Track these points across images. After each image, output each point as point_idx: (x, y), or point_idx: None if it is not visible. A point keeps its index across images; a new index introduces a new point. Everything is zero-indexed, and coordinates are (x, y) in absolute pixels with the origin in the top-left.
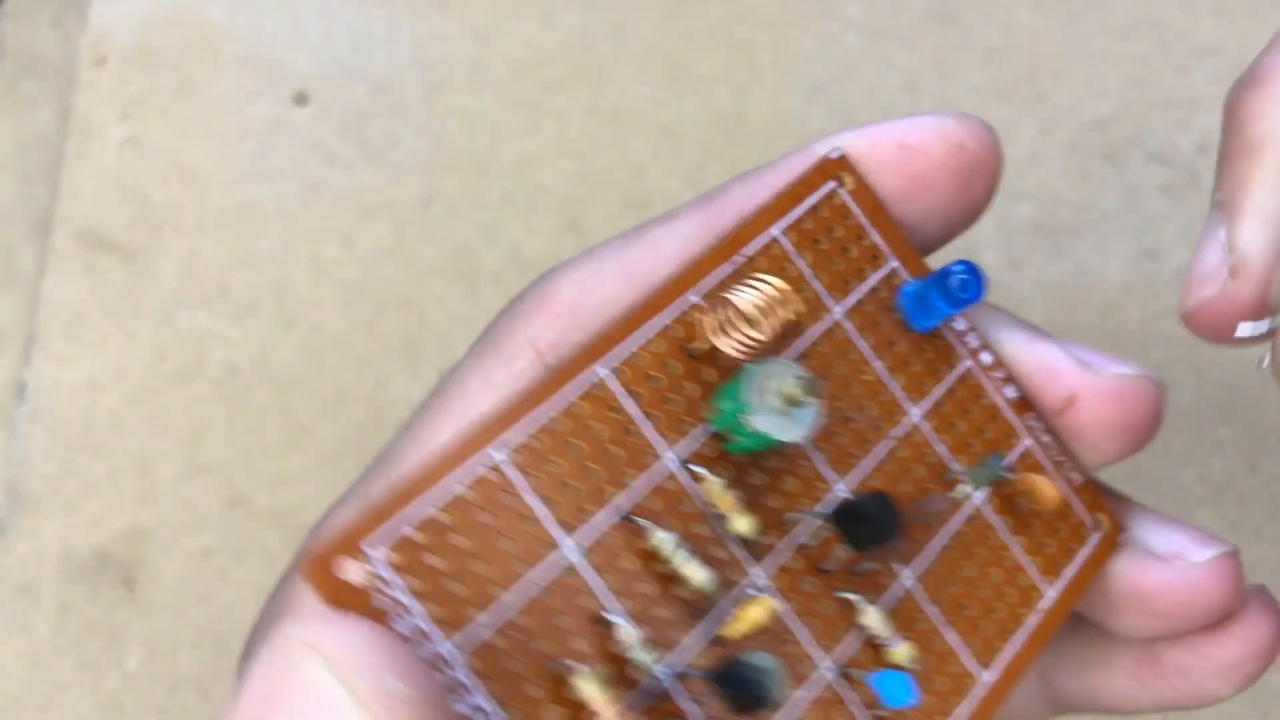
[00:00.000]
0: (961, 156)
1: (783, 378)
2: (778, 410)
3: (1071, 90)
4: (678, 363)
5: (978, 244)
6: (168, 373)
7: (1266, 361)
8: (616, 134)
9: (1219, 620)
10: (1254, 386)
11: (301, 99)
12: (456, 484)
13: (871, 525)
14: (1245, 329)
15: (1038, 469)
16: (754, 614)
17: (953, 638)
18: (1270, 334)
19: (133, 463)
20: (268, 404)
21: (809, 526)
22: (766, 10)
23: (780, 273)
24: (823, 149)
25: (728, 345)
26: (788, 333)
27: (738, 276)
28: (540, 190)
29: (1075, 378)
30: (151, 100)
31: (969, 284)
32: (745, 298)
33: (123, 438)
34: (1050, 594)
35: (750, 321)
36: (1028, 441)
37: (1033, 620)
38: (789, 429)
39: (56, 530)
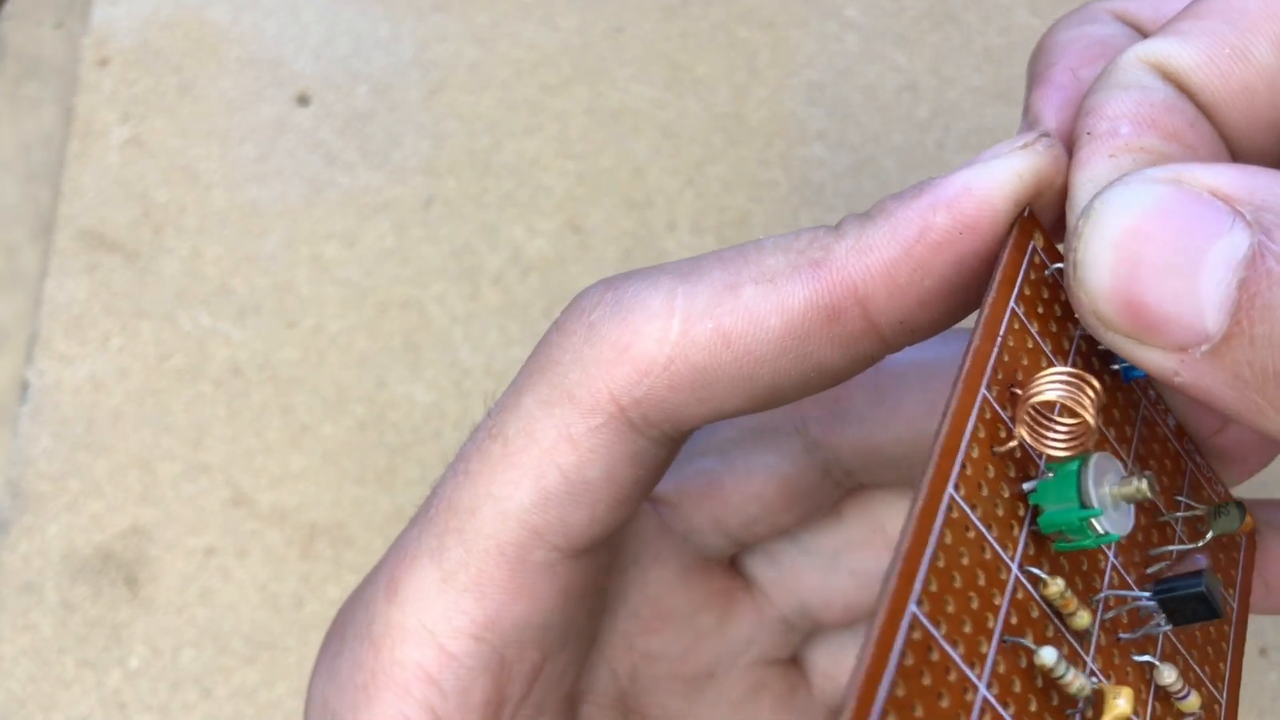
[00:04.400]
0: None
1: (1114, 475)
2: (1114, 508)
3: None
4: (990, 466)
5: None
6: (170, 372)
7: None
8: (616, 134)
9: None
10: None
11: (303, 99)
12: (899, 655)
13: (1205, 604)
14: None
15: (1197, 487)
16: (1121, 708)
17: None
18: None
19: (135, 461)
20: (269, 403)
21: (1117, 603)
22: (766, 11)
23: (1024, 346)
24: (972, 193)
25: (1054, 446)
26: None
27: (1001, 362)
28: (540, 190)
29: None
30: (153, 101)
31: None
32: (1050, 391)
33: (125, 437)
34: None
35: (1067, 412)
36: (1190, 467)
37: (1231, 633)
38: (1123, 524)
39: (59, 529)
